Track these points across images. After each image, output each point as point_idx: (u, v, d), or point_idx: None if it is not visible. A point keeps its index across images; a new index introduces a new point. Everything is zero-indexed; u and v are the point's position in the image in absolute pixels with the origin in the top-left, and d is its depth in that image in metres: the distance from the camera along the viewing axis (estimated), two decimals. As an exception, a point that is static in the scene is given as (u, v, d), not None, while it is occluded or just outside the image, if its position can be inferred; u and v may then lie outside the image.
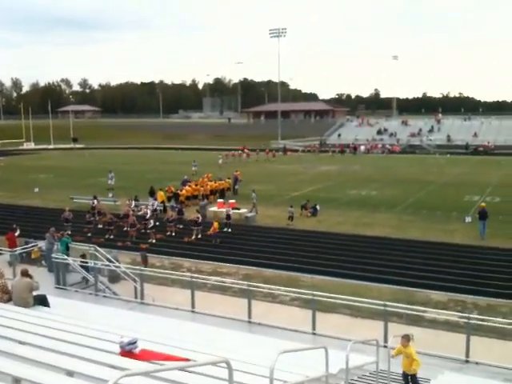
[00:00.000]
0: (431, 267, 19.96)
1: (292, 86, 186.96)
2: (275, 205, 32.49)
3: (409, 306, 13.13)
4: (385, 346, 10.36)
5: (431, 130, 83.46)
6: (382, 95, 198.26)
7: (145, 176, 46.78)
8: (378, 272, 19.45)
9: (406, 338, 8.70)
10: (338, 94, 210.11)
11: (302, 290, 13.90)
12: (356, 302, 13.02)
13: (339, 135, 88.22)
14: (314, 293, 12.58)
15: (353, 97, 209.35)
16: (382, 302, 12.19)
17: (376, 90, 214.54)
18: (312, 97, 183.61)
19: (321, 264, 20.61)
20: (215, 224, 25.33)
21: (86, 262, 16.51)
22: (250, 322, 12.64)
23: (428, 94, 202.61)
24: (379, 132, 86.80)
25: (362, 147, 74.42)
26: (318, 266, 20.39)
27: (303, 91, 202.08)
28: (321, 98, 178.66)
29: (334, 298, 12.97)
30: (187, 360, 7.30)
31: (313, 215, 30.04)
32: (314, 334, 11.95)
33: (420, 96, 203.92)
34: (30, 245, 19.02)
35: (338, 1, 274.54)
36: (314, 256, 21.84)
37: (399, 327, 12.29)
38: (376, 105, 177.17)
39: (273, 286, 15.06)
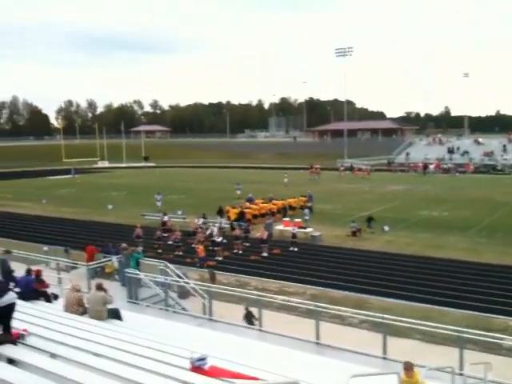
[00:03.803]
0: (509, 292, 18.94)
1: (358, 105, 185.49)
2: (342, 224, 32.07)
3: (485, 333, 12.45)
4: (460, 374, 9.88)
5: (505, 149, 79.86)
6: (453, 113, 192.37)
7: (212, 194, 47.68)
8: (450, 296, 18.68)
9: (409, 366, 7.85)
10: (406, 113, 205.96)
11: (372, 313, 13.54)
12: (429, 327, 12.51)
13: (408, 154, 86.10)
14: (384, 316, 12.22)
15: (422, 115, 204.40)
16: (456, 328, 11.65)
17: (446, 107, 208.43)
18: (379, 115, 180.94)
19: (389, 286, 20.08)
20: (200, 248, 24.64)
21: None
22: (318, 343, 12.44)
23: (502, 112, 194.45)
24: (450, 151, 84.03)
25: (432, 166, 72.17)
26: (386, 288, 19.88)
27: (370, 109, 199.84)
28: (388, 116, 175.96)
29: (404, 322, 12.52)
30: (256, 379, 7.28)
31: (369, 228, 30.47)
32: (385, 358, 11.57)
33: (493, 114, 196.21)
34: (104, 259, 19.72)
35: (405, 17, 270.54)
36: (382, 278, 21.32)
37: (475, 355, 11.70)
38: (446, 123, 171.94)
39: (341, 308, 14.76)
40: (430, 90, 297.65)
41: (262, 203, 35.64)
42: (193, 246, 26.86)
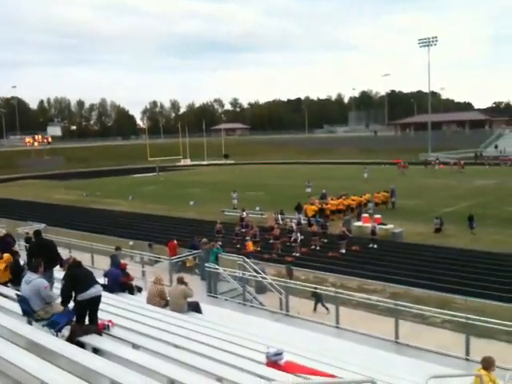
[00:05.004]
0: None
1: (443, 96, 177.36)
2: (425, 221, 30.98)
3: None
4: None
5: None
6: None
7: (289, 190, 47.65)
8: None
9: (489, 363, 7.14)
10: (495, 103, 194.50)
11: (455, 313, 12.99)
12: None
13: (496, 146, 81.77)
14: (469, 316, 11.70)
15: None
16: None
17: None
18: (466, 106, 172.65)
19: (475, 285, 19.14)
20: (249, 244, 24.56)
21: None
22: (397, 342, 12.14)
23: None
24: (545, 142, 78.80)
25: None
26: (472, 287, 18.97)
27: (456, 101, 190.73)
28: (476, 107, 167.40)
29: (490, 323, 11.91)
30: (333, 376, 7.24)
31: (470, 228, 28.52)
32: (467, 359, 11.10)
33: None
34: (186, 254, 20.35)
35: (492, 4, 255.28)
36: (467, 276, 20.38)
37: None
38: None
39: (423, 307, 14.27)
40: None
41: (337, 199, 35.16)
42: (270, 241, 27.08)
